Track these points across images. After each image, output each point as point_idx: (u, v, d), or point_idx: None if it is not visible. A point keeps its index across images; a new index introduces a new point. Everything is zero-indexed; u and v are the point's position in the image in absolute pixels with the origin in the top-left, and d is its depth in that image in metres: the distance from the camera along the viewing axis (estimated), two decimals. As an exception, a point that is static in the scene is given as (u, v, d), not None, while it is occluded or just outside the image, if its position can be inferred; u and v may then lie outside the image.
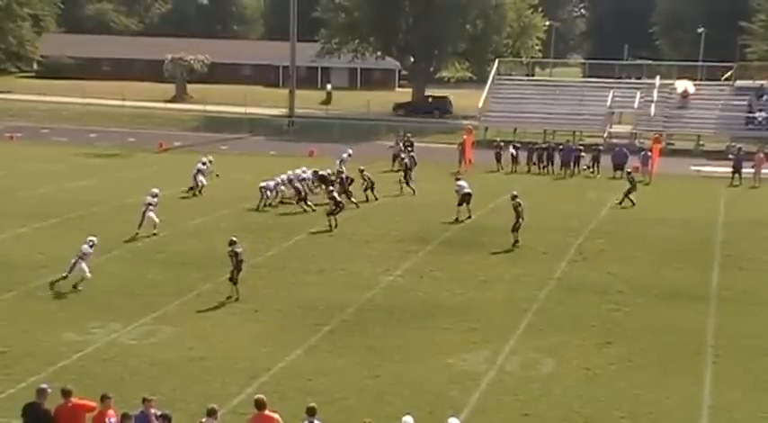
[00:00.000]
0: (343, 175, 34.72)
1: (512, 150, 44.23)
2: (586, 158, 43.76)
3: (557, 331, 20.13)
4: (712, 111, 56.39)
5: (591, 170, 43.49)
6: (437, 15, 69.45)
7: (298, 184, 33.21)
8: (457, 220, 31.23)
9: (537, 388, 16.96)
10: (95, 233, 24.30)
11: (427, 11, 70.46)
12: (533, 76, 76.86)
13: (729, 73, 62.29)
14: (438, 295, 22.74)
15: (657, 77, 60.98)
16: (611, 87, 59.48)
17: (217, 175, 37.72)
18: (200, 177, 36.02)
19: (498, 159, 44.34)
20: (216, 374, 17.23)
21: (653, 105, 56.64)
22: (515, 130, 55.96)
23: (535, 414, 15.88)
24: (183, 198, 34.89)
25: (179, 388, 16.52)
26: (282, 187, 33.62)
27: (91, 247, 22.96)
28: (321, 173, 35.04)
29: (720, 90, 59.11)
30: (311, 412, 13.02)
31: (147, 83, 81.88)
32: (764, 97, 56.27)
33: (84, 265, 22.46)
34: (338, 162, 38.59)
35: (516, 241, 27.77)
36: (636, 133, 55.10)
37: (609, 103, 57.24)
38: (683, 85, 58.11)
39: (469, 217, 31.47)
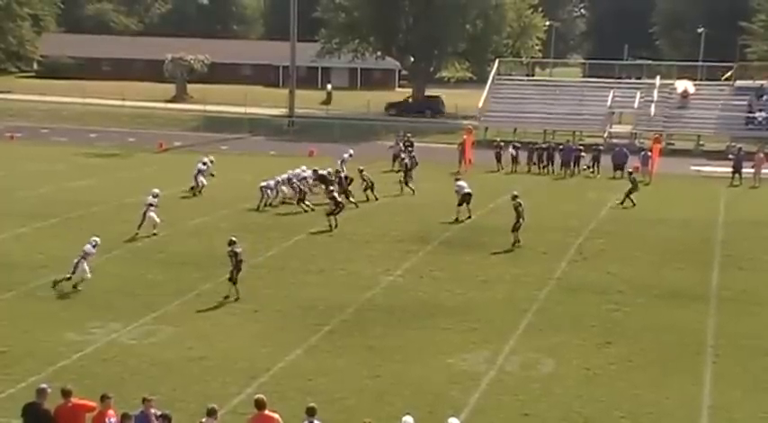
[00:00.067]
0: (342, 175, 34.68)
1: (511, 150, 44.23)
2: (586, 158, 43.77)
3: (557, 331, 20.13)
4: (712, 111, 56.38)
5: (591, 170, 43.49)
6: (437, 15, 69.44)
7: (297, 183, 33.22)
8: (457, 220, 31.23)
9: (537, 388, 16.96)
10: (95, 233, 24.28)
11: (427, 11, 70.46)
12: (533, 76, 76.88)
13: (729, 73, 62.30)
14: (438, 295, 22.74)
15: (657, 77, 60.98)
16: (611, 87, 59.48)
17: (212, 175, 37.64)
18: (201, 178, 36.01)
19: (498, 159, 44.34)
20: (216, 374, 17.23)
21: (653, 105, 56.63)
22: (515, 130, 55.94)
23: (535, 414, 15.87)
24: (184, 198, 34.88)
25: (179, 388, 16.52)
26: (284, 187, 33.61)
27: (94, 247, 22.97)
28: (321, 172, 35.03)
29: (720, 90, 59.11)
30: (311, 412, 13.02)
31: (147, 83, 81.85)
32: (764, 97, 56.27)
33: (85, 266, 22.48)
34: (339, 162, 38.59)
35: (517, 241, 27.74)
36: (636, 133, 55.09)
37: (609, 103, 57.23)
38: (683, 85, 58.11)
39: (469, 217, 31.47)
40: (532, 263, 26.05)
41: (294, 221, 31.06)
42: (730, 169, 42.07)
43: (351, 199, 33.03)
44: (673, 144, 53.88)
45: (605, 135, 55.14)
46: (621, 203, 34.74)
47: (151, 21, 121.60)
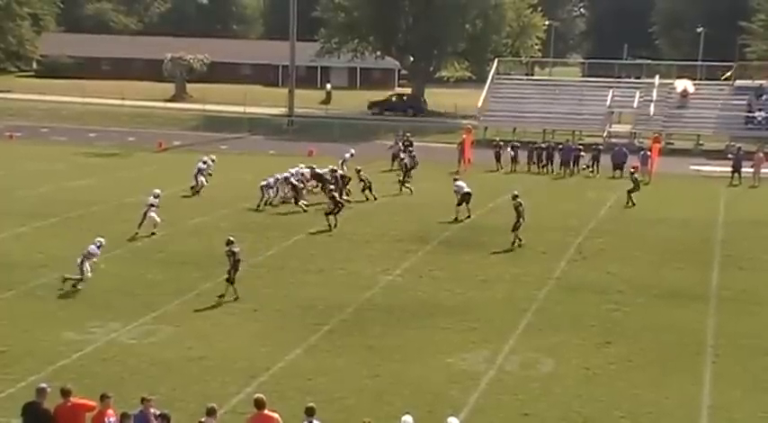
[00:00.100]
0: (337, 174, 34.51)
1: (509, 151, 44.19)
2: (586, 158, 43.78)
3: (556, 331, 20.13)
4: (712, 110, 56.37)
5: (590, 170, 43.50)
6: (437, 15, 69.43)
7: (294, 181, 33.21)
8: (456, 219, 31.23)
9: (536, 388, 16.96)
10: (95, 233, 24.32)
11: (427, 10, 70.45)
12: (533, 75, 76.78)
13: (729, 73, 62.30)
14: (437, 295, 22.74)
15: (657, 77, 60.96)
16: (611, 87, 59.46)
17: (209, 174, 37.56)
18: (201, 177, 36.00)
19: (498, 159, 44.34)
20: (215, 374, 17.22)
21: (652, 105, 56.63)
22: (515, 129, 55.92)
23: (535, 414, 15.87)
24: (185, 197, 34.87)
25: (178, 387, 16.51)
26: (286, 187, 33.49)
27: (98, 247, 22.96)
28: (317, 171, 34.96)
29: (720, 90, 59.09)
30: (310, 412, 13.01)
31: (147, 82, 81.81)
32: (764, 97, 56.27)
33: (87, 266, 22.49)
34: (340, 162, 38.55)
35: (519, 241, 27.66)
36: (635, 133, 55.09)
37: (608, 103, 57.23)
38: (682, 84, 58.10)
39: (469, 216, 31.46)
40: (532, 262, 26.05)
41: (294, 221, 31.05)
42: (730, 169, 42.08)
43: (344, 197, 32.87)
44: (672, 144, 53.86)
45: (605, 135, 55.13)
46: (627, 204, 34.63)
47: (150, 20, 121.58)
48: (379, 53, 75.62)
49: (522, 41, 77.32)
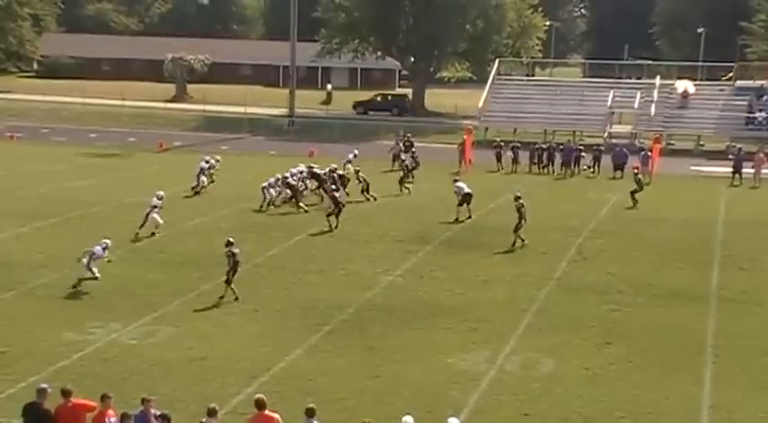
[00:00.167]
0: (335, 174, 34.46)
1: (509, 153, 44.14)
2: (587, 158, 43.78)
3: (556, 331, 20.13)
4: (712, 111, 56.37)
5: (591, 170, 43.52)
6: (437, 15, 69.43)
7: (292, 182, 33.20)
8: (457, 220, 31.23)
9: (537, 388, 16.96)
10: (95, 233, 24.32)
11: (427, 11, 70.45)
12: (533, 76, 76.87)
13: (730, 73, 62.27)
14: (438, 295, 22.74)
15: (657, 77, 60.96)
16: (612, 87, 59.49)
17: (213, 175, 37.52)
18: (203, 177, 36.00)
19: (498, 159, 44.34)
20: (216, 374, 17.23)
21: (653, 105, 56.62)
22: (515, 130, 55.90)
23: (535, 414, 15.88)
24: (186, 197, 34.87)
25: (179, 388, 16.52)
26: (287, 188, 33.49)
27: (104, 249, 22.96)
28: (315, 170, 34.93)
29: (720, 90, 59.10)
30: (310, 413, 13.01)
31: (147, 83, 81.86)
32: (764, 97, 56.26)
33: (94, 267, 22.50)
34: (344, 163, 38.50)
35: (522, 241, 27.60)
36: (636, 133, 55.09)
37: (609, 103, 57.24)
38: (683, 85, 58.10)
39: (470, 217, 31.46)
40: (532, 263, 26.05)
41: (294, 221, 31.06)
42: (730, 169, 42.09)
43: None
44: (673, 144, 53.87)
45: (605, 135, 55.14)
46: (634, 206, 34.58)
47: (151, 20, 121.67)
48: (379, 54, 75.63)
49: (523, 42, 77.35)
